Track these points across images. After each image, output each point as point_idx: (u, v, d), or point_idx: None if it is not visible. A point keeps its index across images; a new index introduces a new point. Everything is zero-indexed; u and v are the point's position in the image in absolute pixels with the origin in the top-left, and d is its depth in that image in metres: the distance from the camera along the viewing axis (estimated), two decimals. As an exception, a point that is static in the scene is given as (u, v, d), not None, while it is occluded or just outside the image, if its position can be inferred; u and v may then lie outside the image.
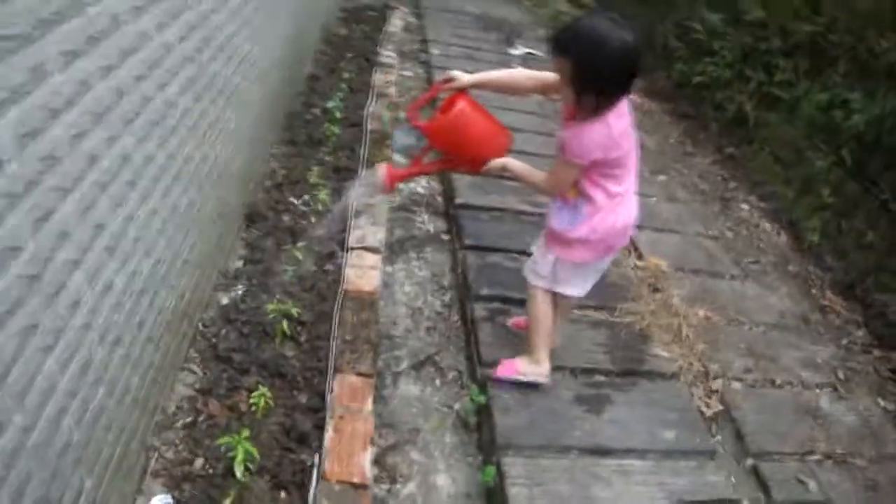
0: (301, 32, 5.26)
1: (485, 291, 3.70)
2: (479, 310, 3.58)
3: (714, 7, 7.23)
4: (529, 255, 3.12)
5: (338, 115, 5.18)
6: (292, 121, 5.13)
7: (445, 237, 4.36)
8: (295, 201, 4.20)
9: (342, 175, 4.51)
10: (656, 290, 4.10)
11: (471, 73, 2.84)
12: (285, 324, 3.15)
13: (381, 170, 2.93)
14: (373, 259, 3.66)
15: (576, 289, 2.98)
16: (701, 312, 4.00)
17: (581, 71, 2.35)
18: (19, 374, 1.46)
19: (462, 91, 2.79)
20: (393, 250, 4.12)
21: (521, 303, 3.65)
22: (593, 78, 2.35)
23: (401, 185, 4.76)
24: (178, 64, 2.41)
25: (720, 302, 4.15)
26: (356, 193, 3.83)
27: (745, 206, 5.51)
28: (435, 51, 7.51)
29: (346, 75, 6.17)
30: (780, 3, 6.16)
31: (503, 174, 2.86)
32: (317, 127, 5.09)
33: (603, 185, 2.63)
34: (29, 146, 1.42)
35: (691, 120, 6.98)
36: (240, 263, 3.64)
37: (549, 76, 2.71)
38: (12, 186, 1.37)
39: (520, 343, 3.33)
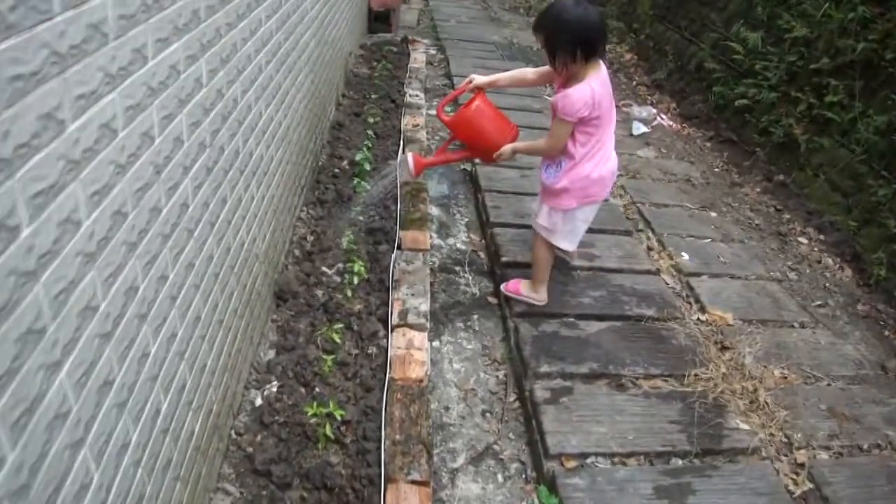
0: (322, 82, 4.98)
1: (544, 368, 3.38)
2: (539, 390, 3.26)
3: (753, 25, 6.89)
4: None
5: (367, 167, 4.88)
6: (319, 177, 4.85)
7: (492, 300, 4.05)
8: (328, 271, 3.90)
9: (376, 237, 4.21)
10: (725, 348, 3.77)
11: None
12: (328, 427, 2.84)
13: (410, 158, 3.65)
14: (418, 339, 3.35)
15: (567, 242, 3.67)
16: (776, 371, 3.66)
17: (549, 39, 3.13)
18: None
19: (480, 91, 3.58)
20: (438, 320, 3.81)
21: (586, 377, 3.38)
22: (557, 42, 3.10)
23: (441, 243, 4.49)
24: (192, 155, 2.12)
25: (794, 357, 3.79)
26: (389, 181, 4.36)
27: (804, 241, 5.16)
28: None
29: (371, 120, 5.88)
30: (826, 19, 5.80)
31: (514, 157, 3.58)
32: (346, 182, 4.80)
33: (580, 142, 3.30)
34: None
35: (734, 146, 6.63)
36: (272, 353, 3.33)
37: (547, 69, 3.44)
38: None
39: (585, 425, 3.10)
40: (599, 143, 3.32)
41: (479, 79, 3.59)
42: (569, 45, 3.07)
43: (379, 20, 8.95)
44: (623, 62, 9.07)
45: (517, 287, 3.85)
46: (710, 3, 7.92)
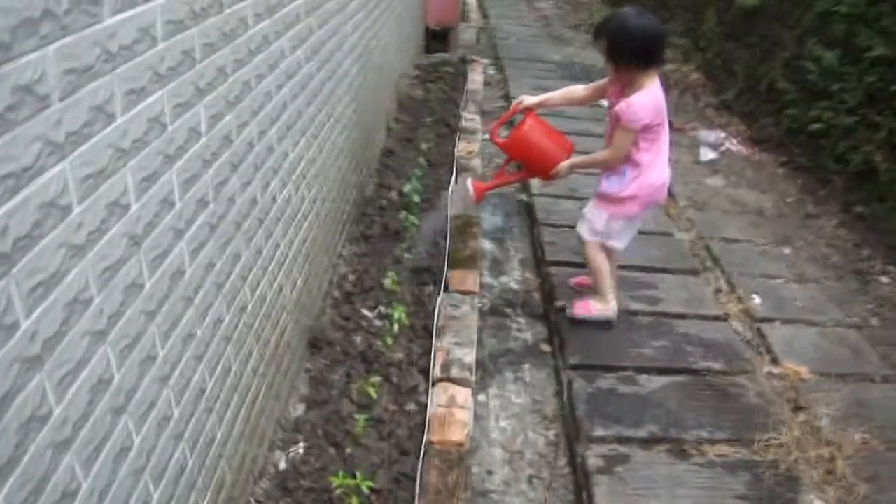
0: (368, 109, 4.75)
1: (598, 432, 3.08)
2: (592, 458, 2.95)
3: (827, 43, 6.48)
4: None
5: (416, 198, 4.63)
6: (365, 209, 4.62)
7: (546, 348, 3.76)
8: (368, 314, 3.65)
9: (422, 277, 3.96)
10: (799, 407, 3.41)
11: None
12: (355, 499, 2.58)
13: (469, 184, 3.71)
14: (461, 395, 3.08)
15: (621, 242, 3.66)
16: (856, 436, 3.29)
17: (613, 45, 3.18)
18: None
19: (530, 111, 3.61)
20: (486, 370, 3.54)
21: (644, 442, 3.08)
22: (621, 50, 3.16)
23: (493, 282, 4.25)
24: (187, 216, 1.90)
25: (876, 418, 3.41)
26: (440, 215, 4.30)
27: (885, 280, 4.75)
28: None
29: (424, 146, 5.64)
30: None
31: (573, 172, 3.59)
32: (393, 215, 4.56)
33: (644, 149, 3.33)
34: None
35: (809, 173, 6.21)
36: (302, 408, 3.09)
37: (600, 83, 3.55)
38: None
39: (642, 500, 2.80)
40: (660, 150, 3.39)
41: (528, 99, 3.64)
42: (632, 53, 3.15)
43: (436, 39, 8.74)
44: (689, 82, 8.68)
45: (588, 307, 3.78)
46: (780, 19, 7.51)
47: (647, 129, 3.26)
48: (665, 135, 3.39)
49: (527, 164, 3.65)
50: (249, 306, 2.44)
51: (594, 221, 3.58)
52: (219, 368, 2.17)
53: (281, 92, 2.61)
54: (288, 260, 2.89)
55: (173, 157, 1.70)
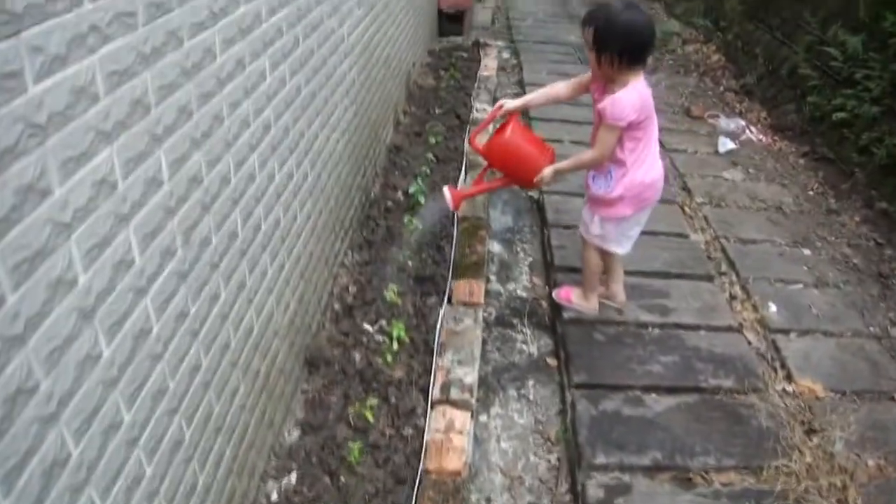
0: (373, 106, 4.62)
1: (600, 459, 2.97)
2: (593, 487, 2.85)
3: (853, 27, 6.26)
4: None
5: (421, 199, 4.51)
6: (370, 211, 4.50)
7: (552, 362, 3.65)
8: (369, 328, 3.55)
9: (425, 287, 3.85)
10: (812, 430, 3.28)
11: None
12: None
13: (447, 191, 3.53)
14: (460, 419, 2.98)
15: (620, 246, 3.57)
16: (870, 462, 3.15)
17: (598, 37, 3.07)
18: None
19: (512, 115, 3.48)
20: (489, 387, 3.44)
21: (647, 470, 2.98)
22: (607, 41, 3.05)
23: (500, 289, 4.17)
24: (152, 269, 1.79)
25: (892, 442, 3.24)
26: (429, 217, 4.28)
27: (908, 284, 4.59)
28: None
29: (433, 140, 5.51)
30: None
31: (557, 178, 3.47)
32: (398, 217, 4.44)
33: (629, 148, 3.23)
34: None
35: (831, 164, 6.02)
36: (297, 433, 3.00)
37: (583, 78, 3.45)
38: None
39: None
40: (647, 148, 3.28)
41: (509, 103, 3.53)
42: (615, 48, 3.04)
43: (451, 21, 8.57)
44: (710, 64, 8.47)
45: (569, 295, 3.85)
46: (803, 0, 7.29)
47: (633, 127, 3.15)
48: (653, 132, 3.29)
49: (507, 171, 3.53)
50: (233, 343, 2.33)
51: (589, 224, 3.54)
52: (198, 415, 2.08)
53: (262, 115, 2.48)
54: (279, 284, 2.78)
55: (128, 215, 1.59)
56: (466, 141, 5.39)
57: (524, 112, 3.99)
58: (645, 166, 3.29)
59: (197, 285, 2.00)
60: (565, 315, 3.78)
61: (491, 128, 4.06)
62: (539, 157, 3.41)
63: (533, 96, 3.64)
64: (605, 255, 3.67)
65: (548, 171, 3.36)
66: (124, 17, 1.50)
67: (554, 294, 3.93)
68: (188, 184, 1.89)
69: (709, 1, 9.59)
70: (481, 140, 3.60)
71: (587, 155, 3.34)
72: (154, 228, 1.72)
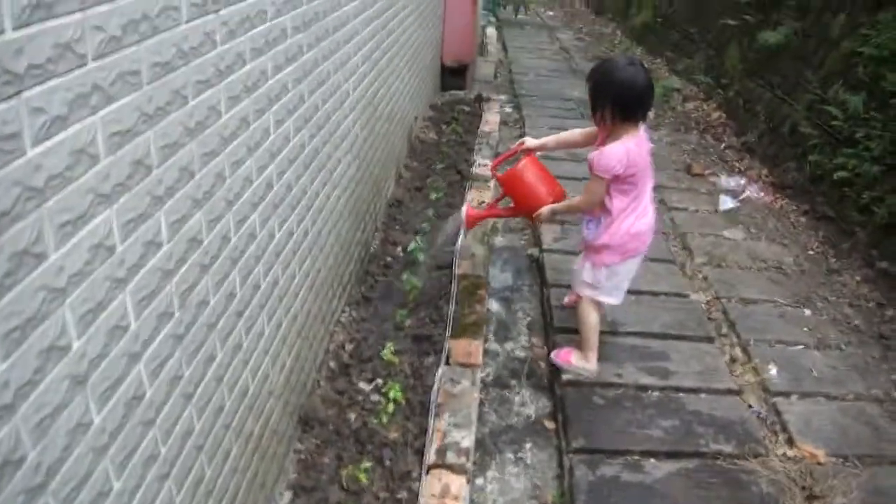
0: (375, 162, 4.63)
1: (599, 530, 2.92)
2: (590, 559, 2.80)
3: (853, 86, 6.29)
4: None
5: (420, 257, 4.49)
6: (369, 267, 4.48)
7: (549, 424, 3.60)
8: (365, 388, 3.51)
9: (423, 346, 3.81)
10: (813, 496, 3.22)
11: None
12: None
13: (464, 209, 3.95)
14: (456, 485, 2.92)
15: (612, 297, 3.63)
16: (873, 532, 3.11)
17: (595, 91, 3.21)
18: None
19: (530, 152, 3.76)
20: (485, 450, 3.38)
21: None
22: (600, 96, 3.19)
23: (498, 348, 4.12)
24: (144, 336, 1.77)
25: (895, 509, 3.23)
26: (444, 234, 4.40)
27: (910, 346, 4.55)
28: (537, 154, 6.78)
29: (434, 196, 5.51)
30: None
31: (554, 218, 3.89)
32: (397, 273, 4.42)
33: (618, 199, 3.31)
34: None
35: (832, 223, 6.01)
36: (289, 496, 2.94)
37: (592, 129, 3.55)
38: None
39: None
40: (637, 200, 3.35)
41: (530, 141, 3.82)
42: (608, 103, 3.16)
43: (453, 74, 8.63)
44: (711, 121, 8.51)
45: (568, 358, 3.81)
46: (804, 58, 7.35)
47: (621, 180, 3.24)
48: (644, 186, 3.36)
49: (516, 201, 3.76)
50: (227, 405, 2.30)
51: (582, 272, 3.59)
52: (189, 479, 2.04)
53: (265, 172, 2.47)
54: (275, 343, 2.75)
55: (125, 279, 1.57)
56: (466, 198, 5.41)
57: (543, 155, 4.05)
58: (631, 218, 3.36)
59: (193, 347, 1.98)
60: (564, 377, 3.73)
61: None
62: (545, 194, 3.61)
63: (550, 139, 3.84)
64: (598, 308, 3.71)
65: (545, 209, 3.57)
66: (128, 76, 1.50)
67: (552, 355, 3.89)
68: (188, 244, 1.88)
69: (710, 58, 9.67)
70: (501, 169, 3.86)
71: (576, 200, 3.50)
72: (151, 291, 1.70)
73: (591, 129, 3.60)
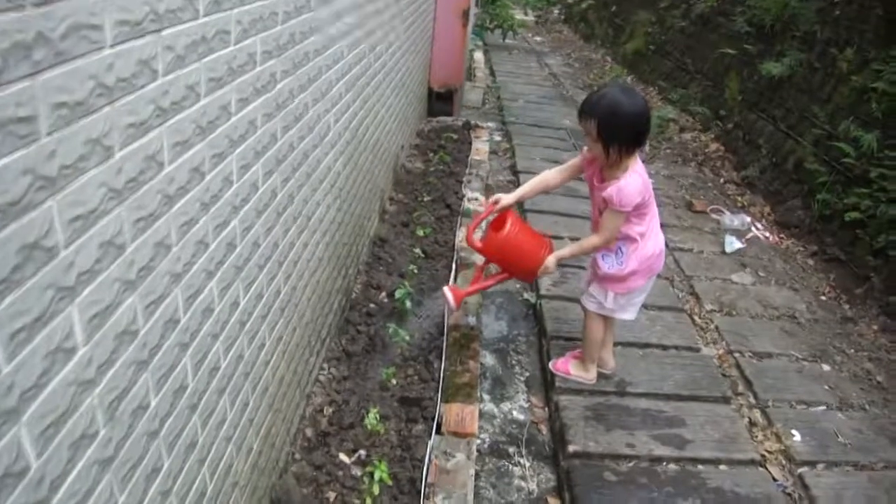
0: (359, 198, 4.20)
1: None
2: None
3: (865, 122, 5.96)
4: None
5: (407, 304, 4.07)
6: (349, 314, 4.06)
7: (554, 503, 3.19)
8: (346, 460, 3.08)
9: (411, 411, 3.39)
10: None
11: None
12: None
13: (447, 291, 3.54)
14: (448, 589, 2.51)
15: (629, 314, 3.62)
16: None
17: (604, 129, 3.07)
18: None
19: (508, 210, 3.55)
20: (481, 535, 2.98)
21: None
22: (614, 133, 3.06)
23: (494, 409, 3.73)
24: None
25: None
26: (432, 316, 4.02)
27: (938, 405, 4.17)
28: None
29: (421, 232, 5.10)
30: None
31: (560, 266, 3.67)
32: (381, 322, 4.00)
33: (638, 225, 3.31)
34: None
35: (843, 266, 5.65)
36: None
37: (574, 163, 3.51)
38: None
39: None
40: (652, 220, 3.39)
41: (505, 198, 3.55)
42: (623, 139, 3.08)
43: (440, 100, 8.25)
44: (708, 153, 8.16)
45: (566, 367, 3.85)
46: (810, 91, 7.01)
47: (637, 207, 3.23)
48: (654, 205, 3.39)
49: (508, 266, 3.60)
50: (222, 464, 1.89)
51: (603, 301, 3.54)
52: None
53: (223, 232, 2.03)
54: (240, 429, 2.33)
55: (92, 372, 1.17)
56: (457, 235, 5.01)
57: (519, 203, 3.68)
58: (652, 240, 3.39)
59: (129, 466, 1.55)
60: (570, 448, 3.33)
61: (484, 223, 3.90)
62: (538, 248, 3.46)
63: (525, 189, 3.62)
64: (605, 322, 3.69)
65: (551, 260, 3.44)
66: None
67: (550, 365, 3.90)
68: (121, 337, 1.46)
69: (706, 88, 9.33)
70: (477, 236, 3.56)
71: (593, 240, 3.37)
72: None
73: (569, 164, 3.54)
